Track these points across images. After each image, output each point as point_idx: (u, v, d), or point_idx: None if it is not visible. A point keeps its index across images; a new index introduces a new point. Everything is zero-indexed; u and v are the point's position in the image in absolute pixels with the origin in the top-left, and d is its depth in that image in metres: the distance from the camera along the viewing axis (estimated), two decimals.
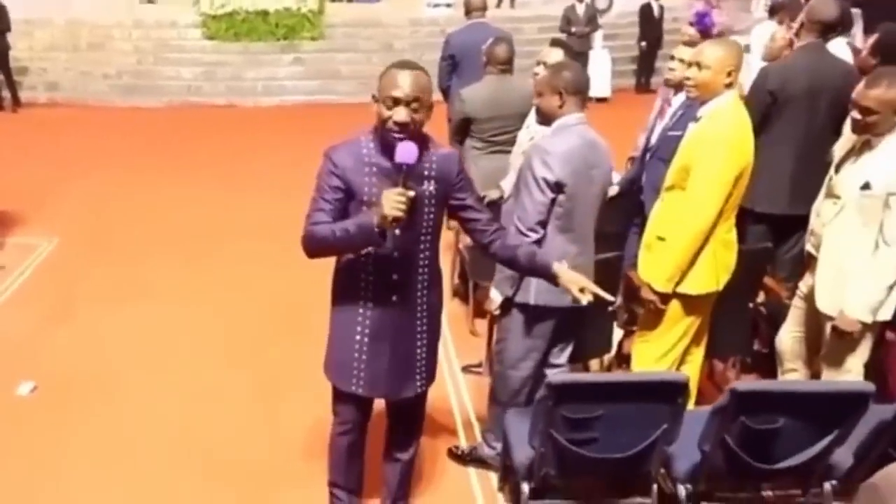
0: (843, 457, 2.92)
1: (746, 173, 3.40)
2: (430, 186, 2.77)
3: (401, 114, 2.62)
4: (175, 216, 7.27)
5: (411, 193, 2.58)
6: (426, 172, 2.76)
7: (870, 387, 2.75)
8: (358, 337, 2.89)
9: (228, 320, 5.26)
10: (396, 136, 2.63)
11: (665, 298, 3.46)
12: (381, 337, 2.89)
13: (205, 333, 5.09)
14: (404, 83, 2.62)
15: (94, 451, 3.90)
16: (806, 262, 3.71)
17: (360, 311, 2.87)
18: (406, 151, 2.59)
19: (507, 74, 5.19)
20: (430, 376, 3.07)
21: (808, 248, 3.62)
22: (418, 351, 2.96)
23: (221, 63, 13.12)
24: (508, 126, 5.09)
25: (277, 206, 6.95)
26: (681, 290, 3.43)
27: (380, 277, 2.82)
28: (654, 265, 3.48)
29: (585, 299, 2.83)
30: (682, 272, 3.39)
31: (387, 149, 2.68)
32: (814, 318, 3.58)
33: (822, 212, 3.50)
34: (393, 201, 2.53)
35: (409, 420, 3.21)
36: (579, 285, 2.85)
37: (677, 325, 3.52)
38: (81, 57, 13.29)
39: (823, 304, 3.42)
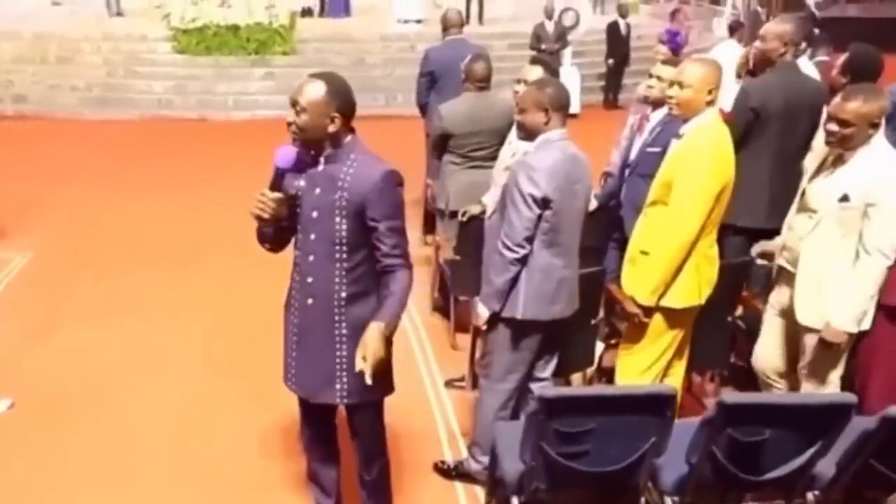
0: (826, 467, 2.96)
1: (728, 189, 3.45)
2: (342, 196, 2.78)
3: (290, 114, 2.76)
4: (151, 229, 7.19)
5: (274, 195, 2.77)
6: (340, 182, 2.79)
7: (852, 398, 2.79)
8: (289, 334, 3.03)
9: (212, 331, 5.21)
10: (293, 136, 2.79)
11: (648, 312, 3.49)
12: (301, 337, 2.97)
13: (188, 346, 5.03)
14: (296, 87, 2.77)
15: (81, 468, 3.83)
16: (776, 277, 3.72)
17: (292, 309, 3.00)
18: (281, 155, 2.78)
19: (485, 91, 5.21)
20: (355, 392, 2.92)
21: (781, 262, 3.64)
22: (337, 361, 2.91)
23: (192, 77, 13.02)
24: (486, 142, 5.12)
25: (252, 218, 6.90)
26: (664, 303, 3.46)
27: (300, 279, 2.92)
28: (637, 279, 3.51)
29: (359, 366, 2.68)
30: (665, 285, 3.42)
31: (312, 156, 2.84)
32: (791, 333, 3.63)
33: (795, 226, 3.54)
34: (255, 200, 2.78)
35: (361, 435, 3.13)
36: (363, 353, 2.68)
37: (661, 339, 3.55)
38: (50, 70, 13.11)
39: (805, 318, 3.46)
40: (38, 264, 6.37)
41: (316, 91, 2.73)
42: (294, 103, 2.74)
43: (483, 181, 4.84)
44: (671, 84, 3.52)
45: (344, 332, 2.89)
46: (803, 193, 3.53)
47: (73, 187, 8.43)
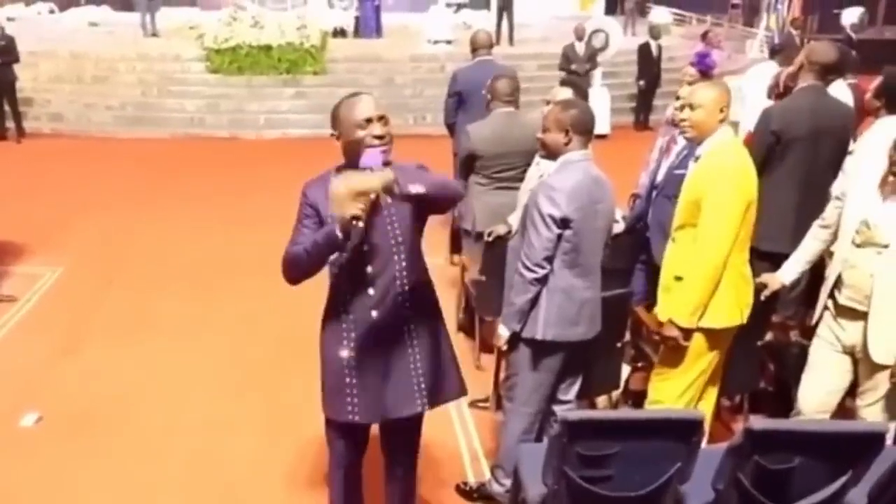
0: (857, 497, 2.88)
1: (754, 205, 3.43)
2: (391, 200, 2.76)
3: (377, 128, 2.74)
4: (180, 248, 7.27)
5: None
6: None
7: (885, 427, 2.73)
8: (345, 362, 2.90)
9: (236, 353, 5.24)
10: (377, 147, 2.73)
11: (688, 334, 3.45)
12: (368, 357, 2.89)
13: (213, 366, 5.06)
14: (369, 106, 2.77)
15: (103, 484, 3.86)
16: (826, 312, 3.53)
17: (344, 334, 2.90)
18: (371, 156, 2.67)
19: (512, 108, 5.19)
20: (431, 397, 2.99)
21: (845, 301, 3.43)
22: (412, 369, 2.92)
23: (224, 96, 13.21)
24: (514, 163, 5.11)
25: (280, 237, 6.92)
26: (704, 324, 3.42)
27: (357, 296, 2.86)
28: (675, 303, 3.46)
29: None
30: (704, 305, 3.39)
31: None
32: (854, 369, 3.49)
33: (858, 263, 3.35)
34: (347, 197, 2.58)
35: (405, 446, 3.15)
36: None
37: (699, 361, 3.50)
38: (86, 89, 13.38)
39: (881, 356, 3.33)
40: (67, 280, 6.47)
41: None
42: (382, 116, 2.77)
43: (510, 202, 4.82)
44: (683, 107, 3.53)
45: (415, 339, 2.93)
46: (864, 229, 3.34)
47: (106, 204, 8.57)
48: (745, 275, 3.49)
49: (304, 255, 2.75)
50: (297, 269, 2.81)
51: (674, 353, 3.52)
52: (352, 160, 2.75)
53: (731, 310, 3.44)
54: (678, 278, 3.45)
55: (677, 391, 3.53)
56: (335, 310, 2.94)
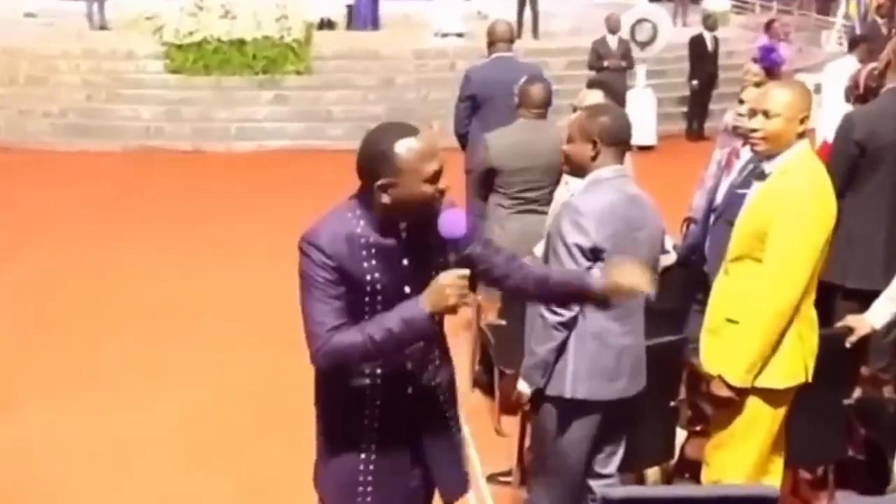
0: None
1: (829, 237, 3.41)
2: (438, 251, 2.78)
3: (443, 181, 2.67)
4: (130, 286, 7.28)
5: (467, 272, 2.59)
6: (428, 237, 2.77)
7: None
8: (363, 458, 2.86)
9: (200, 413, 5.22)
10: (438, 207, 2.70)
11: (742, 393, 3.42)
12: (395, 447, 2.86)
13: (171, 429, 5.05)
14: (436, 152, 2.66)
15: None
16: None
17: (365, 423, 2.83)
18: (455, 222, 2.64)
19: (541, 120, 5.24)
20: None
21: None
22: (454, 442, 3.01)
23: (187, 101, 13.37)
24: (541, 181, 5.12)
25: (254, 275, 6.89)
26: (762, 383, 3.39)
27: (391, 374, 2.80)
28: (726, 354, 3.44)
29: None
30: (764, 360, 3.36)
31: (390, 226, 2.70)
32: None
33: None
34: (457, 287, 2.55)
35: None
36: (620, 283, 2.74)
37: (758, 427, 3.47)
38: (19, 92, 13.56)
39: None
40: None
41: None
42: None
43: (538, 230, 4.82)
44: (753, 113, 3.50)
45: (447, 400, 2.98)
46: None
47: (41, 233, 8.60)
48: (811, 319, 3.47)
49: (371, 348, 2.64)
50: (353, 360, 2.73)
51: (726, 417, 3.49)
52: (412, 214, 2.70)
53: (794, 365, 3.40)
54: (731, 321, 3.43)
55: (737, 464, 3.49)
56: (353, 393, 2.83)
